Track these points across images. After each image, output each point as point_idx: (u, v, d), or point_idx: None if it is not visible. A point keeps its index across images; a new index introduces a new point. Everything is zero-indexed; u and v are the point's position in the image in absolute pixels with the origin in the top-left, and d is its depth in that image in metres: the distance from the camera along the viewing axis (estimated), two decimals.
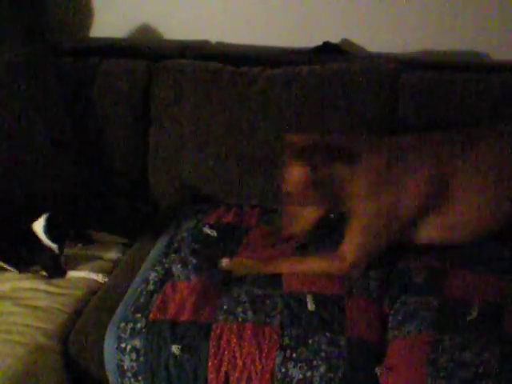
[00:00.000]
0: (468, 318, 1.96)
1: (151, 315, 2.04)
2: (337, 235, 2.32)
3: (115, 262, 2.49)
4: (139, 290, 2.18)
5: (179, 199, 2.75)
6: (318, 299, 2.08)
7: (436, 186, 2.16)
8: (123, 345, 1.99)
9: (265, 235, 2.45)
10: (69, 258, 2.43)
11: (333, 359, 1.92)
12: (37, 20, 2.90)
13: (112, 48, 2.90)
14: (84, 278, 2.35)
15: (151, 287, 2.17)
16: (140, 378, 1.98)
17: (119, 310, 2.10)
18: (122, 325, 2.03)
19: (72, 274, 2.35)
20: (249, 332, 1.98)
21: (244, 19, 2.96)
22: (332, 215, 2.44)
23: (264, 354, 1.94)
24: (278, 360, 1.92)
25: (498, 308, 2.00)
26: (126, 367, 1.99)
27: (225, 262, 2.28)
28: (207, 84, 2.67)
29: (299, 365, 1.92)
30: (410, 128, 2.55)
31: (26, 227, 2.33)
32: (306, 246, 2.35)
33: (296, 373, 1.92)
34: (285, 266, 2.23)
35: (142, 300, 2.11)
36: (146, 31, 3.08)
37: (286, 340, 1.96)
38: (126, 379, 1.99)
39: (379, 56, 2.78)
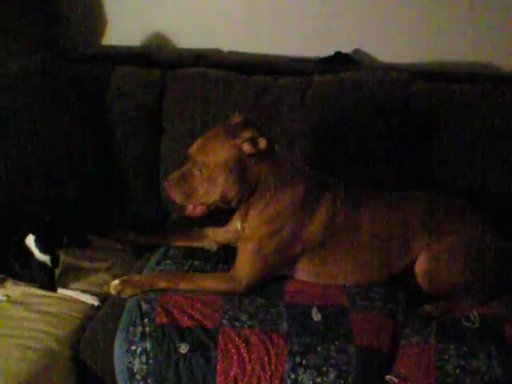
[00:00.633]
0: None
1: (158, 320, 2.05)
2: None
3: (111, 273, 2.46)
4: (141, 296, 2.18)
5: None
6: (323, 310, 2.09)
7: (327, 234, 2.21)
8: (133, 347, 2.00)
9: None
10: (66, 271, 2.41)
11: (342, 366, 1.93)
12: (52, 27, 2.94)
13: (126, 56, 2.94)
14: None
15: (152, 295, 2.17)
16: (149, 380, 1.99)
17: (125, 316, 2.10)
18: (132, 329, 2.03)
19: (62, 291, 2.31)
20: (256, 338, 1.99)
21: (256, 28, 2.99)
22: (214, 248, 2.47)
23: (273, 360, 1.94)
24: (288, 366, 1.93)
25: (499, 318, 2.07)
26: (135, 370, 1.99)
27: (115, 283, 2.24)
28: (220, 92, 2.69)
29: (309, 371, 1.93)
30: (419, 137, 2.57)
31: (19, 241, 2.31)
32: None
33: (306, 379, 1.92)
34: (182, 283, 2.22)
35: (144, 307, 2.11)
36: (159, 40, 3.11)
37: (295, 347, 1.96)
38: (136, 382, 2.00)
39: (390, 66, 2.80)
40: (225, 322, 2.03)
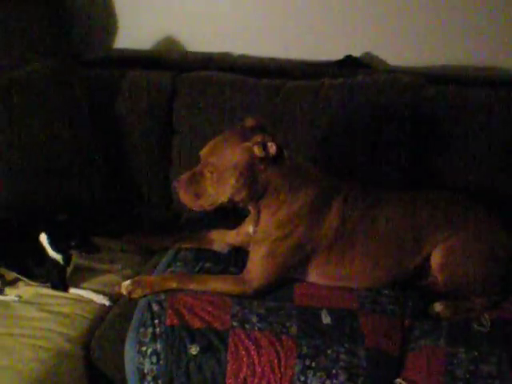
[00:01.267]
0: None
1: (168, 321, 2.06)
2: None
3: (122, 274, 2.48)
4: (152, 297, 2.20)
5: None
6: (332, 313, 2.10)
7: (339, 236, 2.21)
8: (144, 348, 2.02)
9: None
10: (78, 271, 2.43)
11: (352, 369, 1.93)
12: (63, 31, 2.94)
13: (137, 59, 2.95)
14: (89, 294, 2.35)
15: (162, 296, 2.18)
16: (160, 381, 2.00)
17: (136, 317, 2.12)
18: (142, 330, 2.05)
19: (73, 291, 2.33)
20: (266, 340, 2.00)
21: (266, 32, 3.00)
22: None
23: (283, 362, 1.95)
24: (298, 368, 1.94)
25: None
26: (146, 371, 2.00)
27: (126, 283, 2.26)
28: (230, 96, 2.69)
29: (318, 373, 1.93)
30: (430, 142, 2.58)
31: (33, 239, 2.34)
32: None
33: (315, 381, 1.93)
34: (192, 284, 2.23)
35: (155, 308, 2.12)
36: (170, 43, 3.12)
37: (304, 349, 1.97)
38: (146, 383, 2.01)
39: (401, 70, 2.79)
40: (235, 323, 2.04)
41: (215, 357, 1.98)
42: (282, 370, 1.94)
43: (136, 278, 2.27)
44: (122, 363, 2.05)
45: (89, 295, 2.30)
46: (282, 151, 2.09)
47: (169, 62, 2.95)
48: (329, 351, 1.97)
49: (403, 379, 1.94)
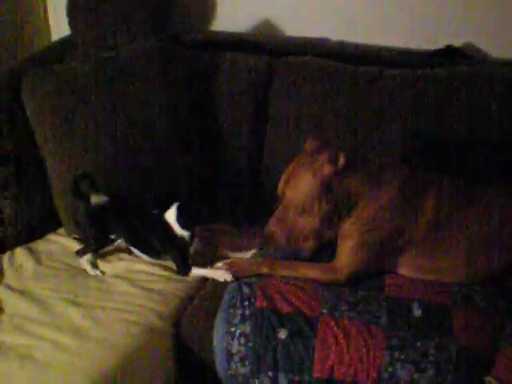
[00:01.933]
0: None
1: (258, 303, 2.09)
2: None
3: None
4: (241, 280, 2.23)
5: None
6: (423, 306, 2.06)
7: (432, 229, 2.16)
8: (233, 329, 2.05)
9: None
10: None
11: (442, 364, 1.90)
12: (162, 11, 2.97)
13: (234, 43, 2.94)
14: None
15: (253, 279, 2.21)
16: (247, 362, 2.02)
17: (226, 298, 2.15)
18: (232, 311, 2.08)
19: (195, 271, 2.36)
20: (355, 329, 1.99)
21: (365, 18, 2.94)
22: None
23: (371, 352, 1.94)
24: (386, 359, 1.92)
25: None
26: (233, 351, 2.03)
27: (219, 265, 2.30)
28: (326, 82, 2.66)
29: (407, 366, 1.91)
30: None
31: (157, 217, 2.38)
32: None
33: (403, 374, 1.91)
34: (284, 270, 2.23)
35: (245, 290, 2.15)
36: (267, 27, 3.11)
37: (393, 340, 1.95)
38: (233, 363, 2.03)
39: (505, 62, 2.69)
40: (324, 310, 2.04)
41: (303, 342, 1.98)
42: (371, 360, 1.93)
43: (228, 261, 2.30)
44: (210, 342, 2.08)
45: (211, 274, 2.31)
46: (352, 157, 2.07)
47: (266, 47, 2.93)
48: (418, 344, 1.94)
49: (493, 377, 1.89)
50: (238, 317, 2.06)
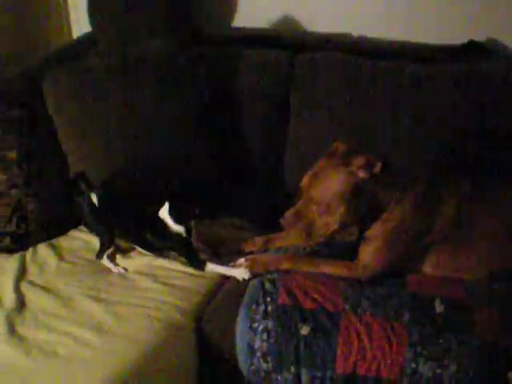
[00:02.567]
0: None
1: (280, 300, 2.08)
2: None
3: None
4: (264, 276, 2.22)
5: None
6: (446, 303, 2.05)
7: (454, 228, 2.15)
8: (255, 325, 2.04)
9: None
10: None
11: (464, 359, 1.89)
12: (184, 7, 2.98)
13: (255, 38, 2.95)
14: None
15: (275, 275, 2.20)
16: (269, 358, 2.02)
17: (248, 294, 2.15)
18: (254, 307, 2.08)
19: (211, 267, 2.34)
20: (377, 325, 1.98)
21: (387, 13, 2.92)
22: None
23: (394, 349, 1.93)
24: (409, 355, 1.92)
25: None
26: (256, 347, 2.03)
27: (241, 261, 2.29)
28: (349, 77, 2.67)
29: (429, 362, 1.90)
30: None
31: (152, 215, 2.39)
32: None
33: (426, 370, 1.90)
34: (306, 266, 2.22)
35: (267, 286, 2.15)
36: (288, 23, 3.10)
37: (416, 337, 1.94)
38: (255, 359, 2.03)
39: None
40: (347, 306, 2.04)
41: (326, 338, 1.98)
42: (393, 356, 1.92)
43: (251, 256, 2.30)
44: (232, 338, 2.08)
45: (228, 272, 2.31)
46: (385, 166, 2.06)
47: (287, 42, 2.93)
48: (441, 340, 1.93)
49: None
50: (261, 313, 2.06)
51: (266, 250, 2.42)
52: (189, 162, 2.66)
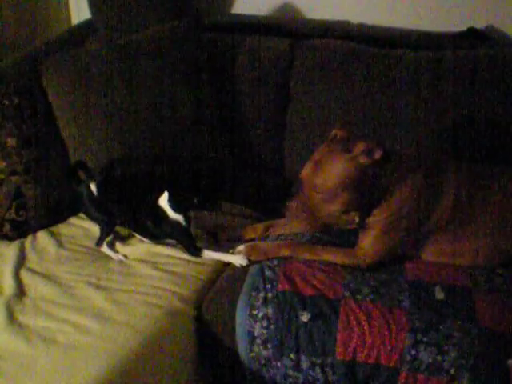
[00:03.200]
0: None
1: (280, 286, 2.08)
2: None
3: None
4: (264, 262, 2.22)
5: None
6: (446, 289, 2.05)
7: (454, 214, 2.14)
8: (255, 312, 2.05)
9: None
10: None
11: (464, 346, 1.89)
12: None
13: (255, 26, 2.94)
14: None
15: (275, 262, 2.20)
16: (269, 345, 2.02)
17: (248, 281, 2.15)
18: (254, 293, 2.08)
19: (208, 254, 2.34)
20: (377, 312, 1.98)
21: (387, 0, 2.93)
22: None
23: (394, 335, 1.93)
24: (409, 342, 1.91)
25: None
26: (256, 334, 2.04)
27: (240, 248, 2.29)
28: (349, 65, 2.66)
29: (429, 349, 1.90)
30: None
31: (152, 203, 2.39)
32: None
33: (426, 356, 1.90)
34: (306, 254, 2.22)
35: (267, 273, 2.15)
36: (288, 10, 3.10)
37: (416, 323, 1.94)
38: (255, 346, 2.04)
39: None
40: (347, 293, 2.04)
41: (326, 325, 1.98)
42: (393, 342, 1.92)
43: (251, 243, 2.30)
44: (232, 325, 2.08)
45: (226, 258, 2.31)
46: (385, 152, 2.05)
47: (287, 29, 2.93)
48: (441, 327, 1.93)
49: None
50: (261, 300, 2.06)
51: (266, 237, 2.41)
52: (189, 149, 2.66)
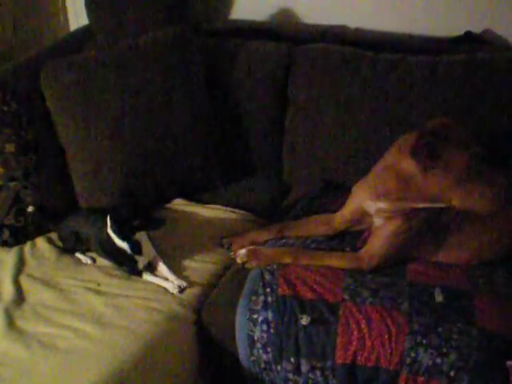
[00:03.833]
0: None
1: (280, 290, 2.08)
2: None
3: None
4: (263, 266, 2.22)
5: (310, 184, 2.75)
6: (445, 292, 2.05)
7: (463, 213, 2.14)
8: (255, 316, 2.05)
9: None
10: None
11: (464, 348, 1.89)
12: (183, 1, 2.96)
13: (253, 31, 2.94)
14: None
15: (274, 266, 2.20)
16: (269, 349, 2.03)
17: (248, 285, 2.15)
18: (254, 298, 2.08)
19: (147, 277, 2.28)
20: (377, 315, 1.98)
21: (384, 5, 2.91)
22: None
23: (393, 338, 1.93)
24: (408, 344, 1.91)
25: None
26: (256, 338, 2.04)
27: (241, 252, 2.29)
28: (346, 69, 2.65)
29: (429, 351, 1.90)
30: None
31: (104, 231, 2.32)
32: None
33: (425, 358, 1.90)
34: (307, 260, 2.22)
35: (267, 277, 2.15)
36: (286, 15, 3.09)
37: (415, 326, 1.94)
38: (255, 350, 2.04)
39: None
40: (346, 296, 2.04)
41: (326, 329, 1.98)
42: (393, 345, 1.92)
43: (252, 248, 2.29)
44: (232, 329, 2.08)
45: (161, 283, 2.24)
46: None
47: (285, 34, 2.92)
48: (440, 329, 1.93)
49: None
50: (261, 304, 2.06)
51: (281, 238, 2.40)
52: (187, 152, 2.66)
